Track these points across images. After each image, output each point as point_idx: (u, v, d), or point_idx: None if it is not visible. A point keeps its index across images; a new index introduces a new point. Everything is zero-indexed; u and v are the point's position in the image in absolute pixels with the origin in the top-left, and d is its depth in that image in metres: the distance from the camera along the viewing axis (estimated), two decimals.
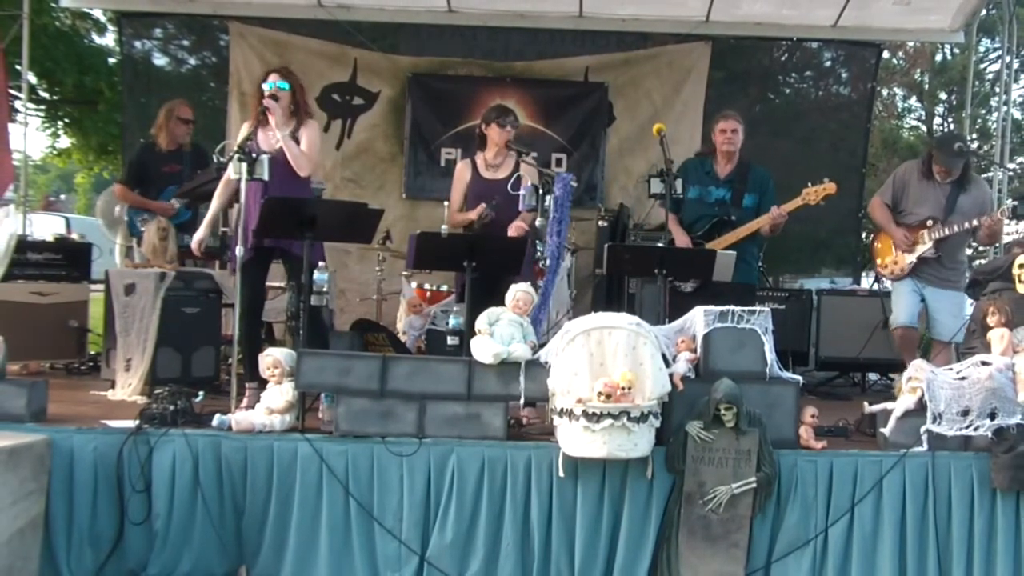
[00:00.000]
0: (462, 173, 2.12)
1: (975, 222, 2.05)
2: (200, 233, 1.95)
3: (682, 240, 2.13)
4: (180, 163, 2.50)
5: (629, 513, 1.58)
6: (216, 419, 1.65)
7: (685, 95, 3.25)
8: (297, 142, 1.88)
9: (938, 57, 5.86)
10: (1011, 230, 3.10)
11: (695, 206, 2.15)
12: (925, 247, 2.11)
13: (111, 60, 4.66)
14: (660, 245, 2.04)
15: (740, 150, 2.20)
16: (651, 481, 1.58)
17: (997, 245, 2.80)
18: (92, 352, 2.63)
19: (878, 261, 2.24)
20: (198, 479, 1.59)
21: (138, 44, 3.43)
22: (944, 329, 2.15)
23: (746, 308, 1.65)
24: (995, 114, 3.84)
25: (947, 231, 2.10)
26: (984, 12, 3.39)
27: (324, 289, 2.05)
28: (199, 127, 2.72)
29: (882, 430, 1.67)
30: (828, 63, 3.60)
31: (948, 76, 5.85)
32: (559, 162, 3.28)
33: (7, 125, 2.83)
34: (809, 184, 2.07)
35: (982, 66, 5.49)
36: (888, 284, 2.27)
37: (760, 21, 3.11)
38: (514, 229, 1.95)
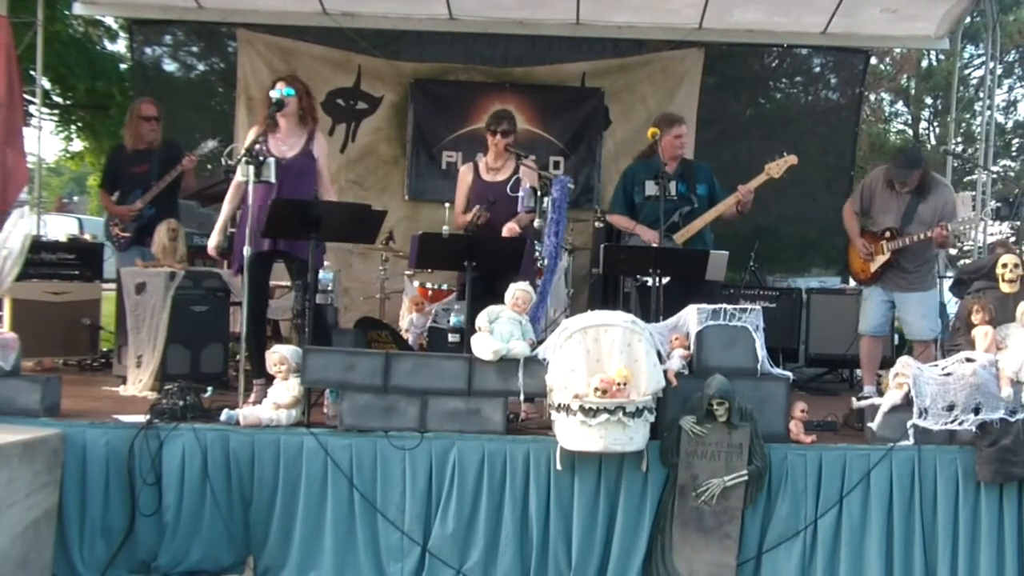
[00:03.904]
0: (465, 176, 2.19)
1: (927, 234, 2.09)
2: (215, 239, 1.98)
3: (649, 236, 2.16)
4: (148, 162, 2.50)
5: (625, 505, 1.62)
6: (224, 414, 1.69)
7: (679, 100, 3.31)
8: (311, 153, 1.94)
9: (924, 63, 5.92)
10: (994, 231, 3.15)
11: (656, 203, 2.14)
12: (884, 257, 2.15)
13: (122, 66, 4.72)
14: (655, 246, 2.09)
15: None
16: (646, 474, 1.62)
17: (980, 246, 2.88)
18: (104, 349, 2.67)
19: (851, 267, 2.29)
20: (207, 472, 1.63)
21: (149, 50, 3.51)
22: (915, 329, 2.18)
23: (734, 306, 1.70)
24: (979, 118, 3.81)
25: (902, 243, 2.12)
26: (968, 19, 3.46)
27: (329, 288, 2.08)
28: (207, 131, 2.77)
29: (870, 424, 1.71)
30: (817, 69, 3.67)
31: (934, 81, 5.90)
32: (556, 165, 3.34)
33: (21, 129, 2.87)
34: (772, 159, 2.10)
35: (967, 72, 5.57)
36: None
37: (751, 28, 3.18)
38: (507, 230, 2.00)
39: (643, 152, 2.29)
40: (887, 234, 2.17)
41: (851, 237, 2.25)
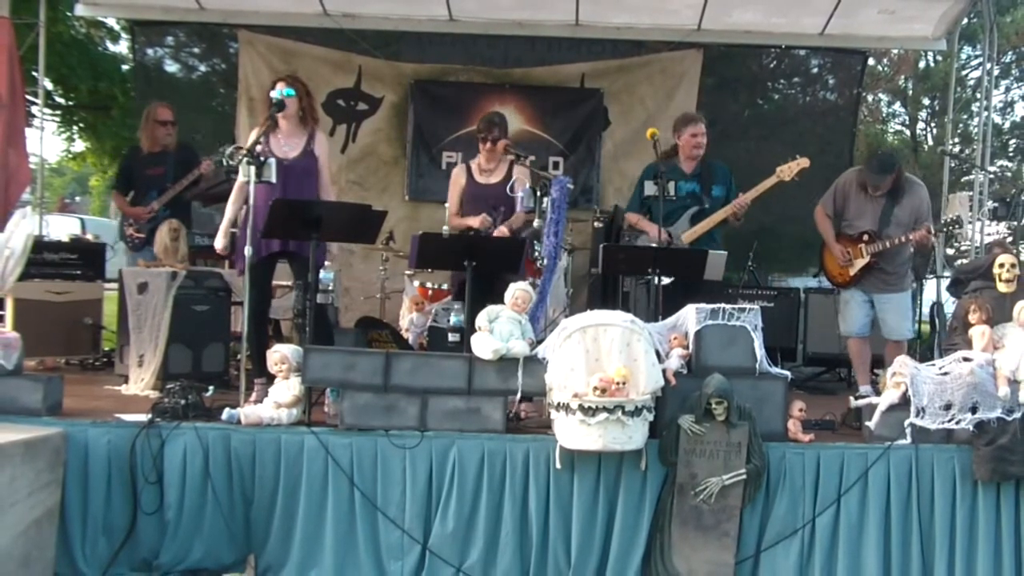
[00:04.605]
0: (458, 178, 2.19)
1: (908, 236, 2.08)
2: (221, 241, 2.00)
3: (654, 232, 2.18)
4: (163, 165, 2.54)
5: (624, 504, 1.63)
6: (225, 413, 1.70)
7: (678, 101, 3.33)
8: (313, 153, 1.96)
9: (921, 64, 5.97)
10: (991, 231, 3.19)
11: (667, 202, 2.18)
12: (863, 261, 2.15)
13: (124, 67, 4.77)
14: (653, 246, 2.11)
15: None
16: (645, 473, 1.63)
17: (977, 246, 2.88)
18: (106, 348, 2.69)
19: (827, 269, 2.28)
20: (208, 471, 1.64)
21: (150, 51, 3.54)
22: (894, 330, 2.18)
23: (733, 306, 1.71)
24: (976, 119, 3.85)
25: (882, 246, 2.11)
26: (966, 21, 3.49)
27: (329, 288, 2.09)
28: (208, 131, 2.80)
29: (867, 423, 1.72)
30: (815, 70, 3.72)
31: (931, 82, 5.94)
32: (556, 165, 3.36)
33: (24, 130, 2.89)
34: (782, 163, 2.14)
35: (964, 72, 5.62)
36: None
37: (750, 29, 3.19)
38: (498, 234, 2.01)
39: (665, 152, 2.31)
40: (865, 237, 2.16)
41: (827, 241, 2.24)
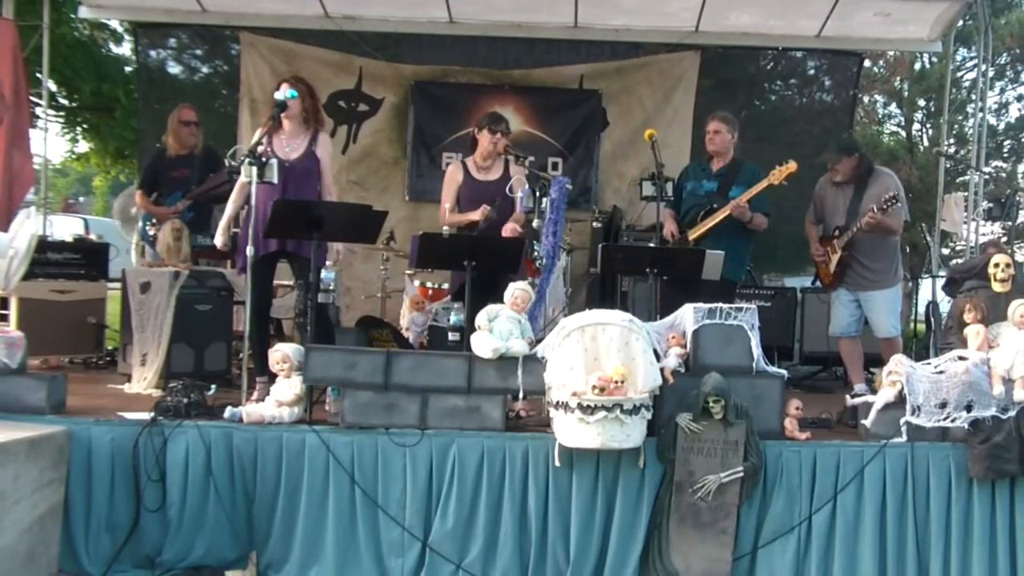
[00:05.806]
0: (454, 174, 2.18)
1: (861, 224, 2.08)
2: (220, 238, 2.03)
3: (669, 227, 2.23)
4: (189, 167, 2.56)
5: (622, 501, 1.64)
6: (228, 411, 1.71)
7: (675, 102, 3.36)
8: (315, 154, 1.98)
9: (917, 65, 5.97)
10: (986, 231, 3.19)
11: (689, 199, 2.27)
12: (837, 256, 2.17)
13: (127, 68, 4.79)
14: (651, 245, 2.15)
15: (733, 149, 2.30)
16: (643, 470, 1.65)
17: (972, 246, 2.89)
18: (109, 347, 2.70)
19: (819, 274, 2.32)
20: (210, 468, 1.65)
21: (153, 53, 3.56)
22: (880, 327, 2.18)
23: (730, 305, 1.73)
24: (972, 120, 3.95)
25: (848, 236, 2.12)
26: (961, 23, 3.52)
27: (331, 287, 2.10)
28: (211, 132, 2.80)
29: (863, 422, 1.73)
30: (812, 71, 3.75)
31: (927, 84, 5.93)
32: (555, 166, 3.39)
33: (28, 131, 2.91)
34: (776, 166, 2.17)
35: (959, 74, 5.61)
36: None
37: (747, 31, 3.22)
38: (508, 230, 2.02)
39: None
40: (836, 232, 2.18)
41: (811, 246, 2.29)
